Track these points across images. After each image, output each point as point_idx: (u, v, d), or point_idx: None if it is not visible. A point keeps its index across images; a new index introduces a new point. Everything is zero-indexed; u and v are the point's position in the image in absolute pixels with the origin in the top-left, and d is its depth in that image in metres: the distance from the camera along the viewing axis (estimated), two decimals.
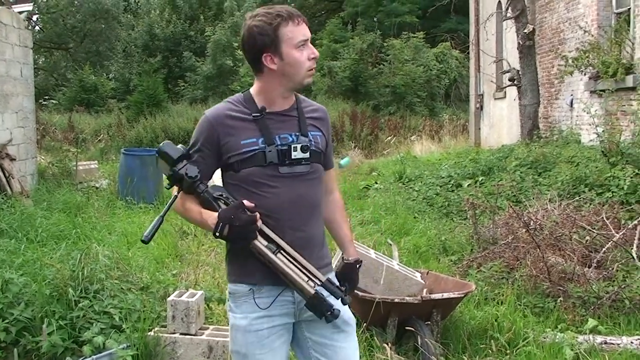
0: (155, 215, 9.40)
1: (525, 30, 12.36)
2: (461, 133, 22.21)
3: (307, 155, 2.55)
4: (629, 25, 10.43)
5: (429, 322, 4.61)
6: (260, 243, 2.44)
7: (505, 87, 14.73)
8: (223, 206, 2.46)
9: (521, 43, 12.50)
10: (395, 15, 32.59)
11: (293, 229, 2.54)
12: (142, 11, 37.28)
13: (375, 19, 33.06)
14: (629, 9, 10.53)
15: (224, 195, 2.49)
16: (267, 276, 2.50)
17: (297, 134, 2.57)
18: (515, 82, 13.01)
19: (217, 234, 2.41)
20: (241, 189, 2.52)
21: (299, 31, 2.49)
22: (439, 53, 28.44)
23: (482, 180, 10.10)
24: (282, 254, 2.47)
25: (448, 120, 23.67)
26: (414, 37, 27.72)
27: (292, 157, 2.52)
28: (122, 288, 5.09)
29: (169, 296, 4.88)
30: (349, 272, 2.81)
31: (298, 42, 2.49)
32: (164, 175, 2.64)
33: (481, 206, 7.75)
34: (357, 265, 2.84)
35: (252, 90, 2.62)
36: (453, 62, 28.51)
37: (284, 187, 2.53)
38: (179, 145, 2.56)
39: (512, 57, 14.13)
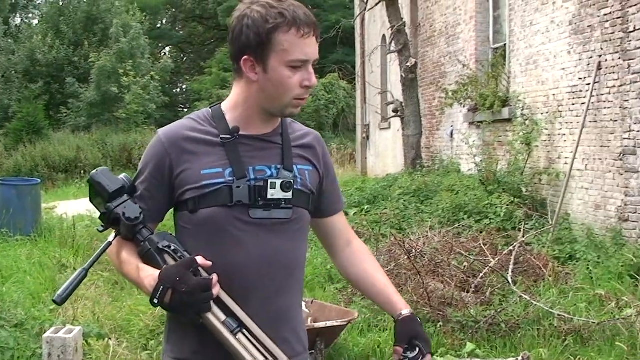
0: (33, 249, 9.03)
1: (408, 64, 12.79)
2: (349, 162, 22.62)
3: (288, 195, 1.88)
4: (504, 60, 10.97)
5: (313, 351, 4.64)
6: (216, 317, 1.76)
7: (390, 118, 15.14)
8: (171, 262, 1.80)
9: (404, 76, 12.92)
10: None
11: (263, 297, 1.87)
12: (23, 36, 35.90)
13: None
14: (505, 44, 11.08)
15: (172, 247, 1.82)
16: (214, 357, 1.84)
17: (279, 167, 1.91)
18: (399, 114, 13.41)
19: (156, 300, 1.71)
20: (198, 237, 1.86)
21: (300, 46, 1.84)
22: (328, 84, 28.93)
23: (367, 208, 10.30)
24: (244, 335, 1.79)
25: (336, 150, 24.04)
26: None
27: (269, 196, 1.86)
28: None
29: (45, 333, 4.69)
30: (415, 328, 2.05)
31: (292, 60, 1.84)
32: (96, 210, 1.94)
33: (366, 234, 7.91)
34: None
35: (225, 104, 1.96)
36: (341, 92, 29.06)
37: (254, 237, 1.86)
38: (122, 175, 1.91)
39: (396, 89, 14.55)
